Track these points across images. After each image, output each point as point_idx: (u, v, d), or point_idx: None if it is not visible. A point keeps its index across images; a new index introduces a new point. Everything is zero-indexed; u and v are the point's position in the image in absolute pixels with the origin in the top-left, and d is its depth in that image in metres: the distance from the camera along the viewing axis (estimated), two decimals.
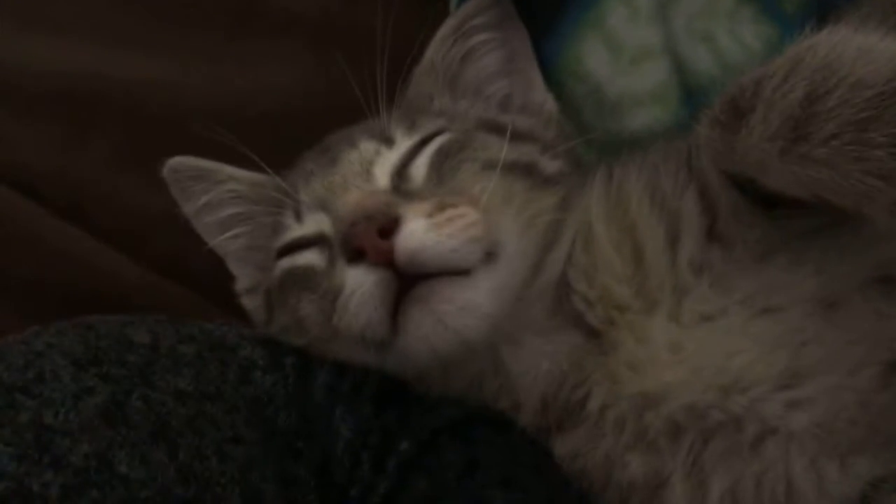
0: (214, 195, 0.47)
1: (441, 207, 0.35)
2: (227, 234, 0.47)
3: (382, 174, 0.37)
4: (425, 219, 0.34)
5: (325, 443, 0.34)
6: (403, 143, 0.39)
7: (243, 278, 0.46)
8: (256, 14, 0.56)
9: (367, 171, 0.38)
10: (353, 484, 0.34)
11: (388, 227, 0.33)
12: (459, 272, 0.34)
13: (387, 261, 0.33)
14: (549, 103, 0.46)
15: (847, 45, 0.32)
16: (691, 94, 0.50)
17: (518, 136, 0.42)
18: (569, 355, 0.38)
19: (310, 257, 0.37)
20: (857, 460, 0.35)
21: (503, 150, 0.39)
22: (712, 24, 0.49)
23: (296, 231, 0.39)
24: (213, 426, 0.31)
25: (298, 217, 0.39)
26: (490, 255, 0.36)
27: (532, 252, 0.38)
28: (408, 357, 0.35)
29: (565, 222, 0.39)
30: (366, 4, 0.52)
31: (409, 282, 0.33)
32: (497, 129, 0.41)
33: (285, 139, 0.45)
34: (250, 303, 0.45)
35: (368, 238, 0.32)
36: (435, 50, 0.45)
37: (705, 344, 0.36)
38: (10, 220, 0.51)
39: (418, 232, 0.33)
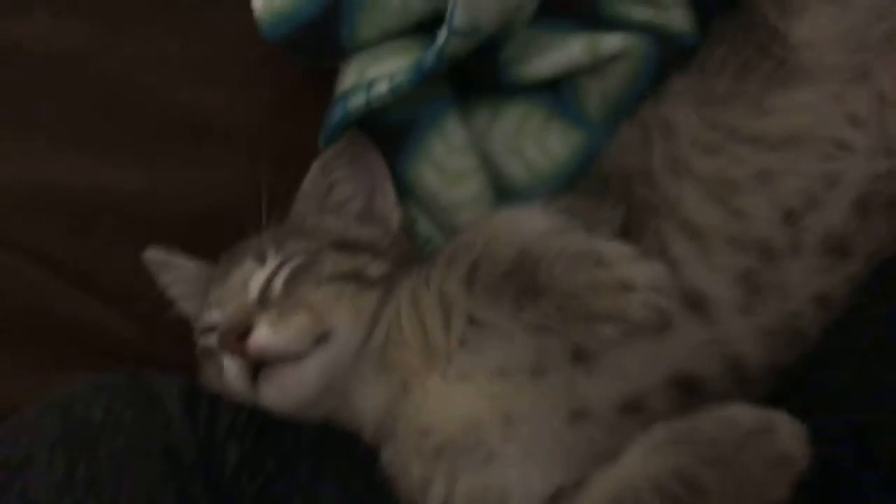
0: (173, 276, 0.65)
1: (283, 314, 0.52)
2: (181, 306, 0.67)
3: (254, 288, 0.54)
4: (269, 325, 0.51)
5: (218, 468, 0.52)
6: (271, 263, 0.55)
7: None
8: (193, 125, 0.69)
9: (244, 285, 0.54)
10: (233, 495, 0.52)
11: (244, 332, 0.50)
12: (295, 357, 0.52)
13: (243, 355, 0.51)
14: (395, 214, 0.61)
15: (501, 229, 0.49)
16: (506, 195, 0.64)
17: (356, 248, 0.58)
18: (388, 397, 0.55)
19: (211, 340, 0.56)
20: (551, 474, 0.51)
21: (337, 266, 0.56)
22: (523, 142, 0.63)
23: (206, 319, 0.57)
24: (135, 472, 0.49)
25: (209, 308, 0.58)
26: (322, 338, 0.52)
27: (359, 332, 0.54)
28: (270, 407, 0.53)
29: (384, 310, 0.56)
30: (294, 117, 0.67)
31: (260, 364, 0.51)
32: (343, 245, 0.58)
33: (216, 238, 0.64)
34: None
35: (229, 342, 0.50)
36: (308, 181, 0.61)
37: (460, 396, 0.53)
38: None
39: (262, 334, 0.50)
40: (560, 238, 0.47)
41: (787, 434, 0.40)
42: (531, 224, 0.50)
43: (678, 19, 0.61)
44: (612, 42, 0.59)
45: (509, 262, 0.47)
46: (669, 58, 0.61)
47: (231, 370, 0.51)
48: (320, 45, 0.58)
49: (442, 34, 0.52)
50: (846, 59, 0.54)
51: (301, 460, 0.54)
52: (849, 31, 0.54)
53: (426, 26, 0.57)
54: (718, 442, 0.40)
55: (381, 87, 0.55)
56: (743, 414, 0.41)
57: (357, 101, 0.56)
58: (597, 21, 0.61)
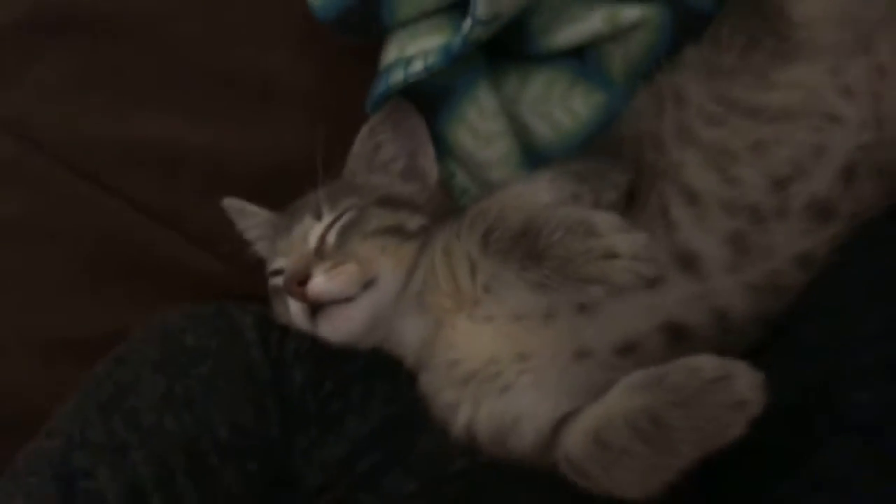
0: (249, 222, 0.76)
1: (337, 264, 0.61)
2: (257, 247, 0.77)
3: (312, 240, 0.63)
4: (324, 273, 0.61)
5: (287, 387, 0.63)
6: (327, 218, 0.64)
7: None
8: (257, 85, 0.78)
9: (304, 238, 0.64)
10: (298, 410, 0.64)
11: (304, 279, 0.60)
12: (346, 300, 0.62)
13: (303, 298, 0.60)
14: (433, 172, 0.69)
15: (511, 200, 0.56)
16: (534, 152, 0.71)
17: (397, 203, 0.66)
18: (424, 332, 0.64)
19: (278, 282, 0.66)
20: (559, 403, 0.60)
21: (382, 221, 0.65)
22: (549, 105, 0.69)
23: (274, 264, 0.67)
24: (221, 391, 0.60)
25: (276, 255, 0.68)
26: (368, 284, 0.62)
27: (400, 278, 0.63)
28: (326, 340, 0.63)
29: (421, 259, 0.64)
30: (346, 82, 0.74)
31: (318, 305, 0.62)
32: (388, 202, 0.66)
33: (284, 189, 0.73)
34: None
35: (292, 288, 0.59)
36: (357, 145, 0.69)
37: (483, 334, 0.62)
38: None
39: (318, 282, 0.60)
40: (560, 210, 0.54)
41: (745, 382, 0.46)
42: (538, 196, 0.57)
43: None
44: (630, 13, 0.64)
45: (517, 228, 0.55)
46: (687, 24, 0.65)
47: (294, 309, 0.61)
48: (364, 25, 0.65)
49: (467, 22, 0.58)
50: (844, 35, 0.57)
51: (353, 383, 0.64)
52: (846, 8, 0.57)
53: (458, 4, 0.63)
54: (684, 386, 0.47)
55: (417, 65, 0.61)
56: (707, 363, 0.47)
57: (397, 77, 0.63)
58: None
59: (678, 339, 0.57)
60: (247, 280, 0.76)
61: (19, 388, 0.78)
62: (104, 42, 0.81)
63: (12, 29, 0.84)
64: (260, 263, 0.73)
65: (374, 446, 0.62)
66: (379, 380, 0.65)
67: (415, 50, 0.63)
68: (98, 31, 0.81)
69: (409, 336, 0.64)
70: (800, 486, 0.50)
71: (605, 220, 0.52)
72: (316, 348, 0.65)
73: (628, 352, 0.57)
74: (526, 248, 0.54)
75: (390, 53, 0.65)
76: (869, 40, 0.57)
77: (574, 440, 0.50)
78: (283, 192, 0.70)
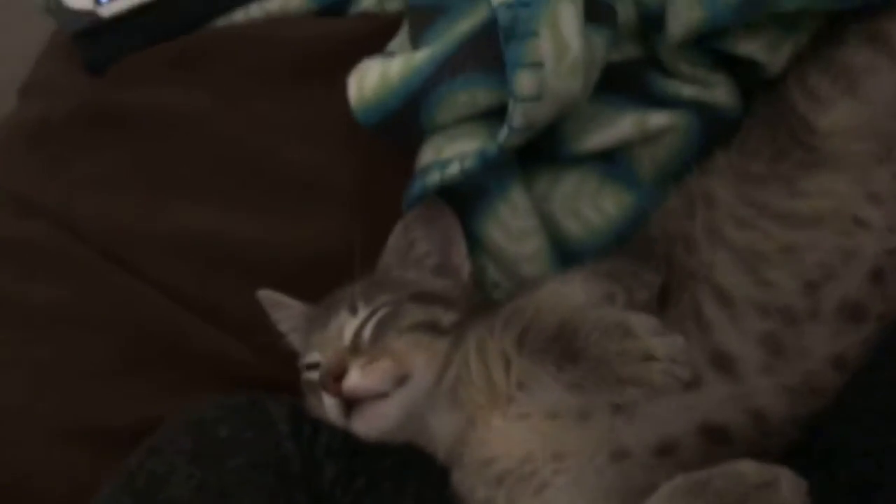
0: (282, 314, 0.76)
1: (372, 360, 0.61)
2: (290, 339, 0.78)
3: (347, 336, 0.64)
4: (360, 369, 0.61)
5: (317, 481, 0.63)
6: (362, 313, 0.64)
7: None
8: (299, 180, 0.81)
9: (340, 333, 0.64)
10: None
11: (340, 374, 0.60)
12: (380, 396, 0.62)
13: (338, 394, 0.61)
14: (466, 267, 0.70)
15: (547, 300, 0.57)
16: (564, 249, 0.72)
17: (431, 299, 0.67)
18: (457, 429, 0.64)
19: (313, 376, 0.66)
20: (597, 502, 0.59)
21: (415, 317, 0.66)
22: (579, 203, 0.71)
23: (309, 356, 0.68)
24: (253, 483, 0.61)
25: (311, 349, 0.69)
26: (402, 380, 0.62)
27: (433, 374, 0.63)
28: (360, 436, 0.63)
29: (455, 355, 0.65)
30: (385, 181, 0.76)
31: (353, 402, 0.62)
32: (421, 297, 0.67)
33: (322, 280, 0.75)
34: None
35: (328, 383, 0.60)
36: (392, 241, 0.70)
37: (518, 432, 0.62)
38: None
39: (354, 378, 0.60)
40: (596, 311, 0.55)
41: (789, 488, 0.46)
42: (573, 297, 0.58)
43: (722, 96, 0.67)
44: (659, 119, 0.66)
45: (552, 329, 0.55)
46: (714, 129, 0.68)
47: (329, 405, 0.61)
48: (403, 129, 0.67)
49: (503, 131, 0.60)
50: (870, 146, 0.59)
51: (385, 480, 0.64)
52: (870, 122, 0.59)
53: (493, 110, 0.65)
54: (729, 492, 0.47)
55: (454, 169, 0.63)
56: (751, 468, 0.47)
57: (433, 178, 0.65)
58: (648, 95, 0.68)
59: (717, 440, 0.56)
60: (279, 371, 0.75)
61: (53, 475, 0.77)
62: (150, 137, 0.84)
63: (62, 123, 0.88)
64: (292, 355, 0.74)
65: None
66: (410, 477, 0.65)
67: (451, 153, 0.65)
68: (145, 126, 0.85)
69: (441, 432, 0.64)
70: None
71: (642, 323, 0.52)
72: (348, 443, 0.64)
73: (667, 453, 0.57)
74: (562, 348, 0.54)
75: (427, 155, 0.67)
76: (891, 148, 0.58)
77: None
78: (320, 285, 0.71)
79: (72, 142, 0.86)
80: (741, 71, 0.67)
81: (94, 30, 0.83)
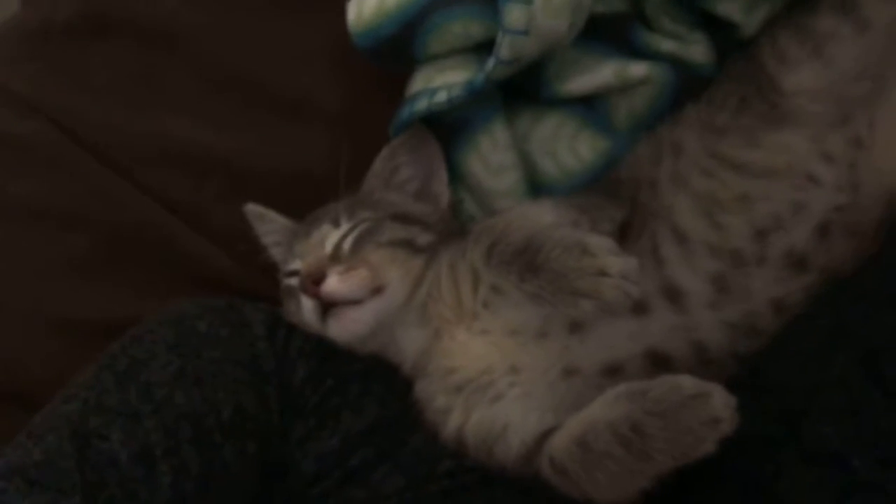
0: (267, 228, 0.79)
1: (350, 269, 0.64)
2: (271, 251, 0.81)
3: (329, 245, 0.66)
4: (338, 275, 0.64)
5: (289, 379, 0.67)
6: (344, 226, 0.67)
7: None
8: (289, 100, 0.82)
9: (322, 243, 0.67)
10: (298, 401, 0.67)
11: (319, 279, 0.63)
12: (355, 302, 0.65)
13: (317, 296, 0.64)
14: (445, 195, 0.73)
15: (517, 218, 0.60)
16: (539, 188, 0.76)
17: (410, 220, 0.70)
18: (424, 341, 0.67)
19: (293, 282, 0.69)
20: (545, 416, 0.63)
21: (394, 233, 0.69)
22: (557, 145, 0.74)
23: (290, 264, 0.71)
24: (227, 375, 0.63)
25: (293, 257, 0.72)
26: (377, 290, 0.65)
27: (406, 288, 0.66)
28: (333, 339, 0.67)
29: (427, 273, 0.68)
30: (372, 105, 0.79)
31: (329, 305, 0.65)
32: (401, 218, 0.70)
33: (305, 197, 0.77)
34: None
35: (307, 286, 0.63)
36: (377, 164, 0.73)
37: (479, 346, 0.65)
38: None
39: (332, 283, 0.63)
40: (559, 230, 0.58)
41: (720, 402, 0.50)
42: (540, 217, 0.61)
43: (699, 53, 0.70)
44: (638, 69, 0.69)
45: (518, 244, 0.59)
46: (689, 84, 0.71)
47: (307, 307, 0.64)
48: (396, 56, 0.70)
49: (490, 61, 0.63)
50: (829, 108, 0.62)
51: (352, 383, 0.67)
52: (832, 85, 0.62)
53: (483, 45, 0.68)
54: (664, 399, 0.50)
55: (441, 96, 0.66)
56: (687, 381, 0.51)
57: (421, 105, 0.68)
58: (629, 47, 0.71)
59: (659, 365, 0.61)
60: (258, 282, 0.79)
61: (30, 360, 0.80)
62: (149, 48, 0.85)
63: (63, 29, 0.88)
64: (271, 267, 0.77)
65: (366, 442, 0.65)
66: (376, 382, 0.68)
67: (440, 82, 0.68)
68: (144, 36, 0.86)
69: (409, 344, 0.68)
70: None
71: (600, 243, 0.56)
72: (319, 347, 0.68)
73: (613, 373, 0.61)
74: (526, 261, 0.58)
75: (417, 83, 0.70)
76: (850, 114, 0.62)
77: (559, 443, 0.53)
78: (303, 202, 0.74)
79: (72, 47, 0.87)
80: (718, 32, 0.71)
81: None
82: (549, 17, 0.61)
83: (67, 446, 0.56)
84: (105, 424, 0.58)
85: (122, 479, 0.56)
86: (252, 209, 0.77)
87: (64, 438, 0.56)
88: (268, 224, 0.77)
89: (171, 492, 0.57)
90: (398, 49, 0.68)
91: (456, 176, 0.74)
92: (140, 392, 0.60)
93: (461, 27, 0.66)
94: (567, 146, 0.74)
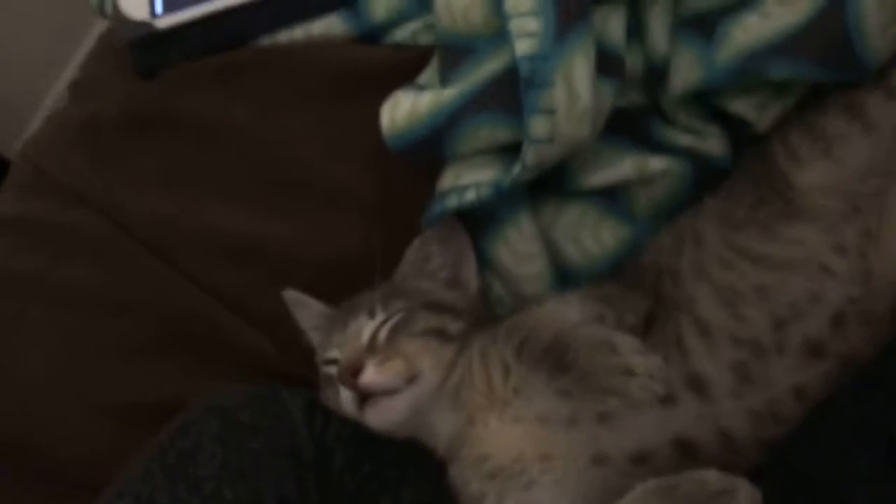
0: (305, 313, 0.82)
1: (386, 359, 0.67)
2: (310, 336, 0.84)
3: (365, 335, 0.69)
4: (375, 366, 0.67)
5: (327, 466, 0.69)
6: (379, 317, 0.70)
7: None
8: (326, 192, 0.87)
9: (358, 334, 0.70)
10: (337, 488, 0.69)
11: (357, 370, 0.66)
12: (392, 392, 0.68)
13: (354, 388, 0.67)
14: (474, 282, 0.76)
15: (545, 316, 0.63)
16: (564, 273, 0.79)
17: (441, 308, 0.73)
18: (457, 427, 0.70)
19: (331, 370, 0.73)
20: (577, 500, 0.64)
21: (427, 323, 0.72)
22: (580, 233, 0.77)
23: (329, 353, 0.74)
24: (270, 466, 0.66)
25: (331, 346, 0.75)
26: (412, 379, 0.68)
27: (439, 375, 0.68)
28: (370, 426, 0.70)
29: (459, 360, 0.71)
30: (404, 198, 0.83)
31: (367, 396, 0.68)
32: (433, 306, 0.73)
33: (341, 284, 0.81)
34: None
35: (347, 378, 0.66)
36: (410, 254, 0.76)
37: (511, 433, 0.68)
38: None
39: (369, 374, 0.66)
40: (587, 329, 0.61)
41: (745, 497, 0.52)
42: (568, 315, 0.64)
43: (715, 146, 0.74)
44: (657, 163, 0.72)
45: (548, 342, 0.62)
46: (706, 175, 0.74)
47: (345, 397, 0.67)
48: (427, 155, 0.74)
49: (517, 167, 0.67)
50: (840, 202, 0.65)
51: (388, 468, 0.70)
52: (843, 182, 0.65)
53: (510, 145, 0.72)
54: (691, 496, 0.53)
55: (470, 195, 0.70)
56: (713, 477, 0.53)
57: (451, 202, 0.71)
58: (648, 141, 0.75)
59: (686, 453, 0.62)
60: (297, 365, 0.82)
61: (78, 445, 0.83)
62: (192, 142, 0.90)
63: (110, 123, 0.94)
64: (310, 351, 0.80)
65: None
66: (411, 467, 0.71)
67: (469, 181, 0.72)
68: (187, 131, 0.91)
69: (442, 429, 0.70)
70: None
71: (626, 342, 0.59)
72: (356, 434, 0.71)
73: (642, 461, 0.63)
74: (555, 359, 0.61)
75: (447, 180, 0.74)
76: (860, 206, 0.65)
77: None
78: (339, 289, 0.77)
79: (119, 140, 0.93)
80: (732, 126, 0.74)
81: (149, 39, 0.89)
82: (573, 125, 0.65)
83: None
84: None
85: None
86: (291, 295, 0.81)
87: None
88: (306, 309, 0.81)
89: None
90: (429, 150, 0.73)
91: (484, 262, 0.78)
92: (189, 487, 0.63)
93: (488, 132, 0.70)
94: (590, 234, 0.77)
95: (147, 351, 0.85)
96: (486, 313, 0.76)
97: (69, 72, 1.52)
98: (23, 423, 0.84)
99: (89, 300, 0.87)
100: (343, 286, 0.77)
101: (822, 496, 0.57)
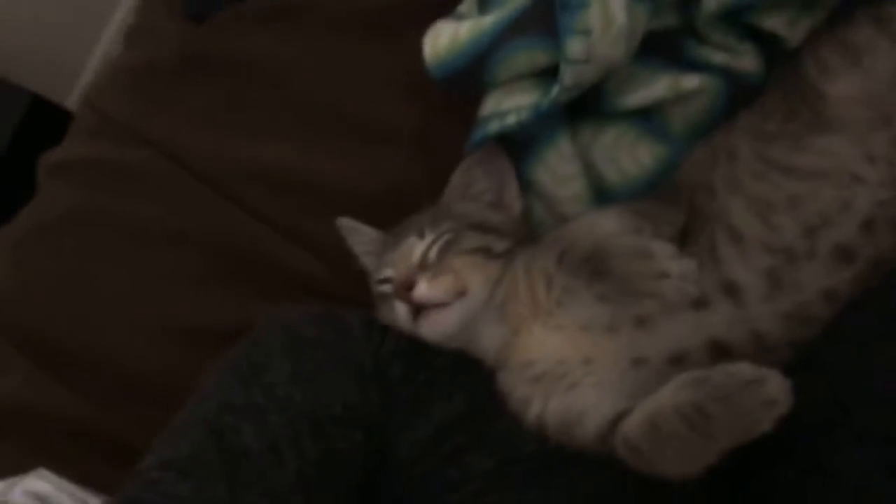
0: (358, 239, 0.87)
1: (436, 275, 0.71)
2: (363, 260, 0.89)
3: (417, 254, 0.73)
4: (426, 282, 0.71)
5: (386, 376, 0.74)
6: (428, 237, 0.74)
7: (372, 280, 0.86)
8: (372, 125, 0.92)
9: (410, 253, 0.74)
10: (395, 395, 0.74)
11: (410, 286, 0.70)
12: (442, 305, 0.72)
13: (409, 301, 0.71)
14: (517, 204, 0.79)
15: (585, 227, 0.67)
16: (603, 194, 0.81)
17: (487, 229, 0.77)
18: (504, 337, 0.74)
19: (386, 288, 0.78)
20: (617, 402, 0.69)
21: (473, 242, 0.76)
22: (618, 154, 0.80)
23: (383, 272, 0.79)
24: (334, 374, 0.72)
25: (385, 266, 0.80)
26: (461, 294, 0.72)
27: (487, 290, 0.72)
28: (424, 338, 0.74)
29: (505, 276, 0.75)
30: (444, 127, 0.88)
31: (420, 308, 0.72)
32: (478, 227, 0.77)
33: (388, 211, 0.85)
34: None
35: (401, 292, 0.70)
36: (455, 178, 0.80)
37: (555, 340, 0.72)
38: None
39: (421, 289, 0.70)
40: (624, 238, 0.65)
41: (775, 385, 0.55)
42: (605, 226, 0.68)
43: (748, 63, 0.75)
44: (691, 81, 0.75)
45: (587, 251, 0.66)
46: (740, 92, 0.76)
47: (400, 311, 0.72)
48: (468, 84, 0.77)
49: (555, 88, 0.70)
50: (869, 112, 0.67)
51: (441, 376, 0.75)
52: (872, 92, 0.67)
53: (547, 70, 0.75)
54: (725, 385, 0.56)
55: (511, 119, 0.73)
56: (745, 368, 0.56)
57: (492, 127, 0.75)
58: (682, 60, 0.77)
59: (720, 354, 0.66)
60: (352, 289, 0.87)
61: (150, 364, 0.91)
62: (242, 82, 0.95)
63: (165, 67, 0.99)
64: (362, 275, 0.85)
65: (457, 429, 0.72)
66: (463, 375, 0.76)
67: (509, 106, 0.75)
68: (238, 72, 0.96)
69: (490, 339, 0.74)
70: (821, 483, 0.59)
71: (661, 248, 0.62)
72: (411, 347, 0.75)
73: (678, 362, 0.67)
74: (594, 267, 0.65)
75: (487, 107, 0.77)
76: (889, 116, 0.67)
77: (631, 425, 0.60)
78: (386, 215, 0.82)
79: (174, 83, 0.98)
80: (765, 42, 0.76)
81: None
82: (607, 46, 0.67)
83: (208, 441, 0.65)
84: (237, 421, 0.67)
85: (255, 468, 0.65)
86: (344, 222, 0.85)
87: (204, 435, 0.66)
88: (359, 235, 0.85)
89: (296, 477, 0.66)
90: (470, 78, 0.76)
91: (526, 185, 0.81)
92: (264, 392, 0.69)
93: (526, 56, 0.73)
94: (628, 154, 0.80)
95: (209, 279, 0.91)
96: (528, 233, 0.80)
97: (115, 23, 1.57)
98: (103, 342, 0.91)
99: (155, 232, 0.94)
100: (389, 213, 0.81)
101: (848, 388, 0.60)
